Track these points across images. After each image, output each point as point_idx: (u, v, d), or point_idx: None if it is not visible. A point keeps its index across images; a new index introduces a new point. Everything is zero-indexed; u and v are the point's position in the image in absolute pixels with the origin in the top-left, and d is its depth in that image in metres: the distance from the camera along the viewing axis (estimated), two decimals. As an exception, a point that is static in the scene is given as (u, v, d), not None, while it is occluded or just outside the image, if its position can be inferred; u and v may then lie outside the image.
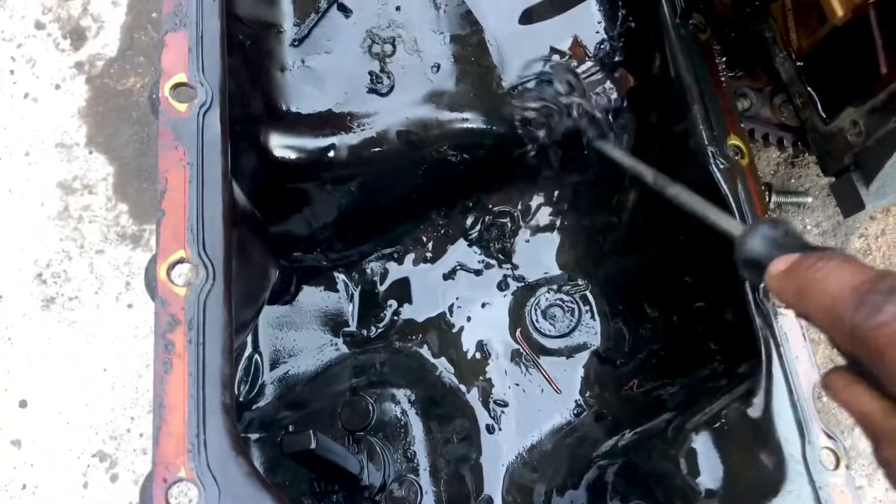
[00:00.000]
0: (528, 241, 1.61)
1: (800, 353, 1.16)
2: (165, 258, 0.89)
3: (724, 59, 1.36)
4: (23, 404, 1.75)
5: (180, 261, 0.89)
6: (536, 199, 1.61)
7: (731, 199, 1.20)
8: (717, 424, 1.14)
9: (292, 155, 1.34)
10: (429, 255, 1.60)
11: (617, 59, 1.48)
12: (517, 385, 1.51)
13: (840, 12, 1.17)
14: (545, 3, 1.55)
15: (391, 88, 1.44)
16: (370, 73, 1.44)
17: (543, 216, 1.61)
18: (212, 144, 0.97)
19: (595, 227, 1.58)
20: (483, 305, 1.57)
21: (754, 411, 1.10)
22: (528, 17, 1.54)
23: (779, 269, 0.76)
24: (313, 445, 1.11)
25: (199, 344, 0.85)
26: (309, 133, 1.34)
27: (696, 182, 1.27)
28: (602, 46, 1.49)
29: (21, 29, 2.02)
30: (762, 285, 1.18)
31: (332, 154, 1.36)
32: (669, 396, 1.36)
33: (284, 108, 1.36)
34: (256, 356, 1.52)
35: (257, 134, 1.30)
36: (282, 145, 1.33)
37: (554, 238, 1.61)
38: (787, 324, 1.18)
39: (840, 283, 0.65)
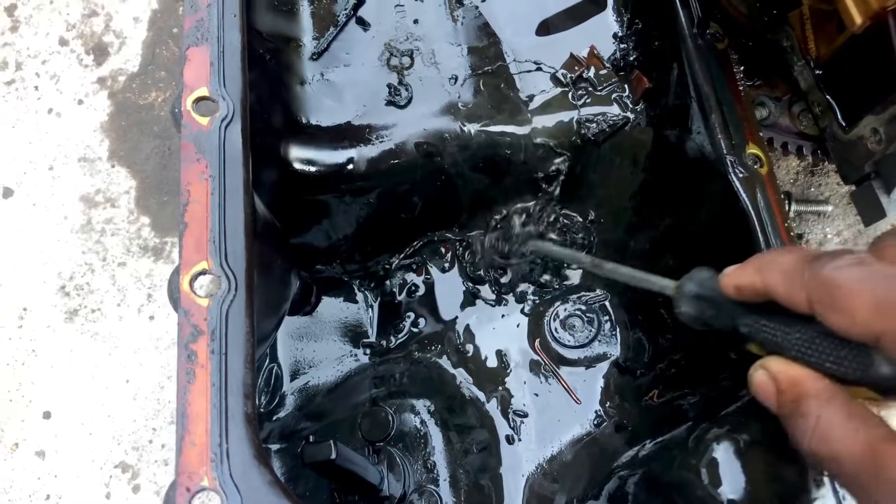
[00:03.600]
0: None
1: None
2: (188, 269, 0.90)
3: (742, 68, 1.36)
4: (47, 415, 1.77)
5: (203, 272, 0.90)
6: (552, 214, 1.61)
7: (750, 209, 1.20)
8: (739, 434, 1.13)
9: (312, 167, 1.35)
10: (447, 265, 1.61)
11: (633, 63, 1.49)
12: (536, 395, 1.51)
13: (859, 20, 1.17)
14: (561, 15, 1.56)
15: (409, 100, 1.45)
16: (388, 85, 1.45)
17: (563, 226, 1.61)
18: (233, 157, 0.98)
19: (614, 237, 1.58)
20: (502, 316, 1.57)
21: (776, 421, 1.10)
22: (544, 28, 1.55)
23: (731, 269, 0.81)
24: (334, 456, 1.11)
25: (222, 354, 0.86)
26: (328, 145, 1.36)
27: (715, 192, 1.27)
28: (618, 56, 1.50)
29: (45, 45, 2.05)
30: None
31: (350, 166, 1.37)
32: (690, 406, 1.35)
33: (304, 120, 1.37)
34: (276, 367, 1.53)
35: (277, 146, 1.32)
36: (301, 158, 1.34)
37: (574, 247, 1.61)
38: (809, 334, 1.17)
39: (792, 257, 0.72)
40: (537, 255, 1.52)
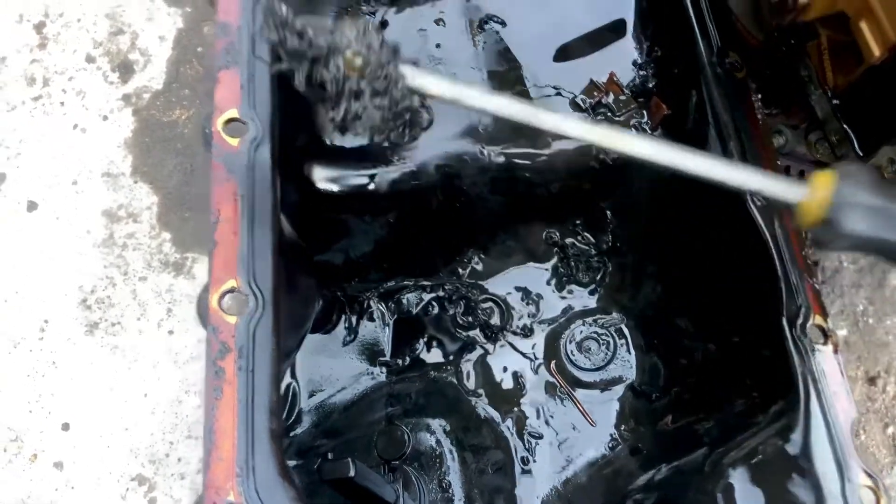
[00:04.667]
0: (563, 274, 1.63)
1: (838, 389, 1.17)
2: (217, 287, 0.92)
3: (760, 96, 1.38)
4: (65, 427, 1.78)
5: (231, 290, 0.92)
6: (570, 239, 1.63)
7: (768, 237, 1.21)
8: (755, 460, 1.14)
9: (334, 186, 1.37)
10: (464, 286, 1.62)
11: (651, 90, 1.51)
12: (552, 417, 1.52)
13: (877, 52, 1.19)
14: (581, 40, 1.58)
15: (430, 123, 1.47)
16: (410, 108, 1.47)
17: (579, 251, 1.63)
18: (262, 178, 1.01)
19: (631, 261, 1.60)
20: (518, 336, 1.58)
21: (792, 447, 1.11)
22: (564, 53, 1.57)
23: None
24: (352, 473, 1.12)
25: (249, 371, 0.88)
26: (351, 166, 1.38)
27: (733, 220, 1.29)
28: (637, 82, 1.52)
29: (72, 62, 2.09)
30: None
31: (372, 186, 1.40)
32: (705, 431, 1.36)
33: (328, 141, 1.39)
34: (294, 384, 1.55)
35: (301, 165, 1.34)
36: (325, 178, 1.36)
37: (590, 272, 1.62)
38: (825, 361, 1.18)
39: None
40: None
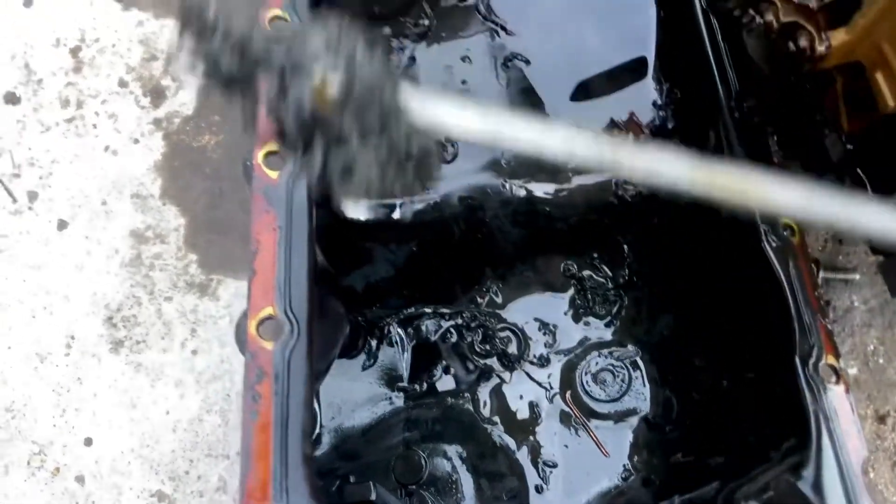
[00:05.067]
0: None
1: (849, 428, 1.20)
2: (255, 314, 0.96)
3: (776, 138, 1.42)
4: (88, 442, 1.83)
5: (269, 317, 0.96)
6: (587, 271, 1.67)
7: (783, 277, 1.25)
8: (766, 495, 1.17)
9: (361, 216, 1.42)
10: (482, 315, 1.66)
11: (671, 131, 1.56)
12: (566, 447, 1.54)
13: (892, 102, 1.23)
14: (602, 78, 1.63)
15: (455, 156, 1.52)
16: (435, 141, 1.52)
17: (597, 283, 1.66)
18: (300, 210, 1.05)
19: (647, 295, 1.63)
20: (535, 366, 1.62)
21: (804, 484, 1.13)
22: (585, 92, 1.61)
23: None
24: (373, 497, 1.16)
25: (284, 396, 0.92)
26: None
27: (748, 259, 1.32)
28: (657, 123, 1.56)
29: (106, 86, 2.16)
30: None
31: (397, 216, 1.44)
32: (718, 465, 1.39)
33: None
34: (316, 406, 1.58)
35: (331, 196, 1.39)
36: (352, 207, 1.41)
37: (607, 304, 1.66)
38: (836, 400, 1.21)
39: None
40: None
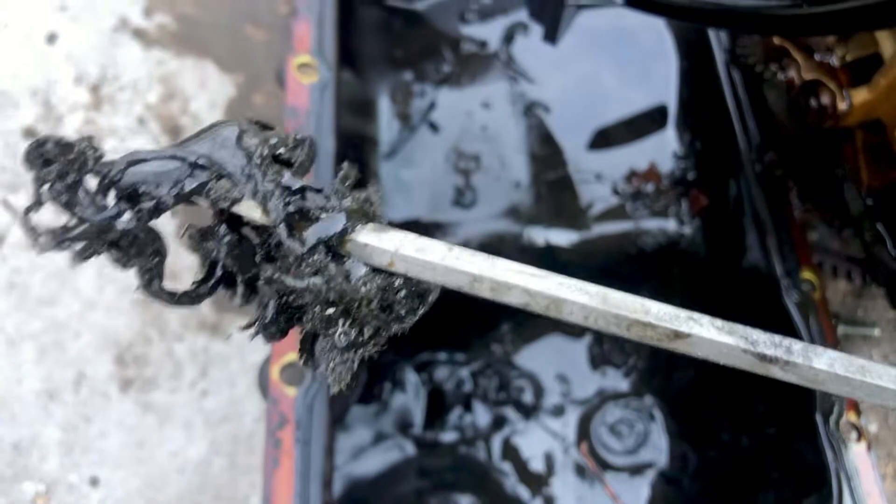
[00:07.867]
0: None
1: (871, 488, 1.18)
2: (278, 359, 0.96)
3: (796, 191, 1.43)
4: (94, 482, 1.80)
5: (291, 364, 0.95)
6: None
7: (803, 332, 1.24)
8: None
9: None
10: (497, 362, 1.65)
11: (691, 181, 1.56)
12: (581, 499, 1.52)
13: (913, 160, 1.23)
14: (622, 127, 1.64)
15: (473, 202, 1.52)
16: (455, 187, 1.53)
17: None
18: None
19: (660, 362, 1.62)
20: (549, 415, 1.60)
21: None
22: (606, 140, 1.63)
23: None
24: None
25: (305, 443, 0.91)
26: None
27: (766, 313, 1.32)
28: (677, 173, 1.57)
29: (125, 123, 2.18)
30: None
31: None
32: (737, 522, 1.36)
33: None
34: (333, 454, 1.56)
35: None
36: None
37: (624, 354, 1.64)
38: (858, 458, 1.19)
39: None
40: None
